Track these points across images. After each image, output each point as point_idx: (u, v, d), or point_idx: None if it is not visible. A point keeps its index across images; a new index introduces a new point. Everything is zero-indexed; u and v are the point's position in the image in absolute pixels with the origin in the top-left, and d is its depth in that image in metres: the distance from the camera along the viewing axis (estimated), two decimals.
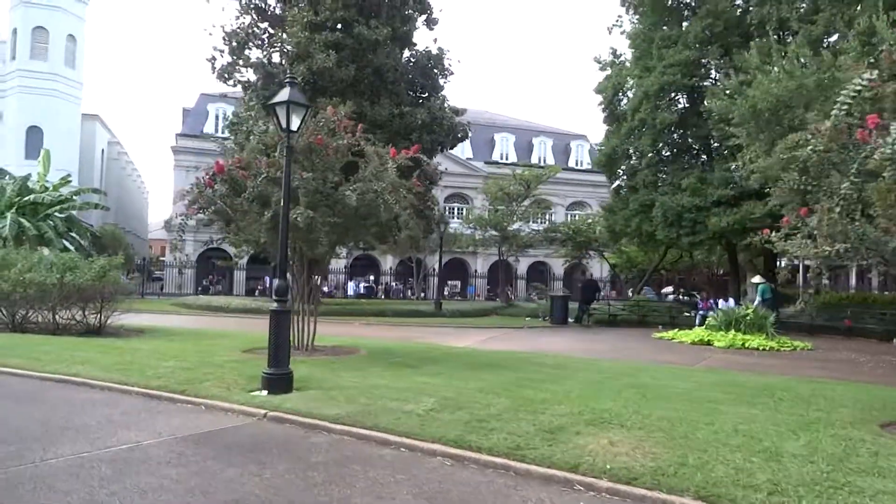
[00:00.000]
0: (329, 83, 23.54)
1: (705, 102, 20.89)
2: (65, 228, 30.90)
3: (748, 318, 17.55)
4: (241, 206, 11.07)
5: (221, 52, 26.08)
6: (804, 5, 20.32)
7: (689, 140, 25.81)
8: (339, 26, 24.53)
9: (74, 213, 33.21)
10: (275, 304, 8.45)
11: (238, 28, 26.19)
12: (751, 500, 4.47)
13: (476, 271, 46.24)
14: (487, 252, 41.47)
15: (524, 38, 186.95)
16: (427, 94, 27.55)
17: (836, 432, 6.44)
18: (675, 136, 25.80)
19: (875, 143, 5.37)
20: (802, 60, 13.38)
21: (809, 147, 6.26)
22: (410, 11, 26.53)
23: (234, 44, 25.95)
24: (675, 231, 23.38)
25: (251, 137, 15.03)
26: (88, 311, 14.37)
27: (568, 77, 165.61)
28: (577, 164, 52.90)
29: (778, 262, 25.70)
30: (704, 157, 26.03)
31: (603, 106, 28.27)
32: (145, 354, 10.76)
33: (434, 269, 39.22)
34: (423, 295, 41.83)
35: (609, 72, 28.28)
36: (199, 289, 39.15)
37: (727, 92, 17.44)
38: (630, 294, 36.37)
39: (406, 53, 27.45)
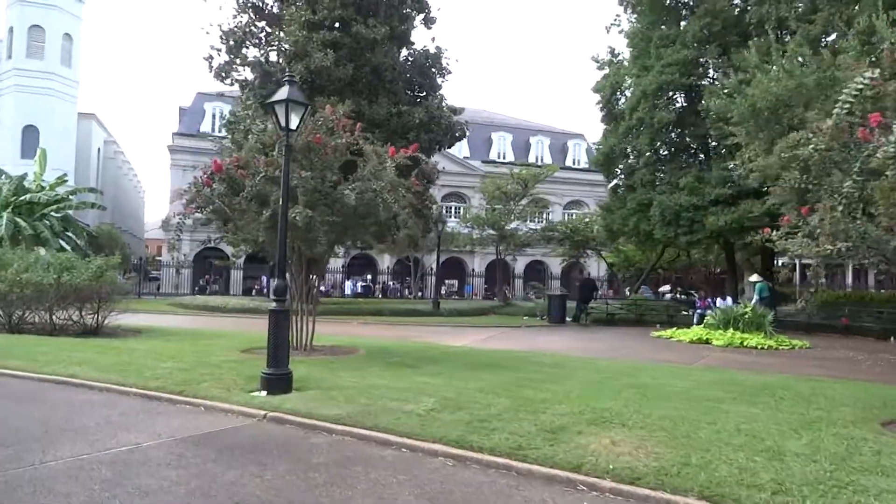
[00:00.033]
0: (327, 82, 23.49)
1: (703, 101, 20.89)
2: (61, 228, 30.81)
3: (746, 316, 17.56)
4: (239, 205, 11.03)
5: (219, 50, 25.98)
6: (802, 5, 20.33)
7: (687, 139, 25.80)
8: (336, 25, 24.48)
9: (71, 212, 33.09)
10: (274, 304, 8.42)
11: (235, 27, 26.08)
12: (755, 499, 4.46)
13: (473, 270, 46.23)
14: (485, 251, 41.44)
15: (521, 37, 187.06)
16: (425, 93, 27.51)
17: (838, 431, 6.43)
18: (672, 135, 25.79)
19: (878, 141, 5.35)
20: (801, 60, 13.36)
21: (811, 146, 6.25)
22: (408, 10, 26.48)
23: (232, 42, 25.85)
24: (672, 230, 23.38)
25: (249, 136, 14.98)
26: (85, 312, 14.31)
27: (565, 76, 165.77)
28: (574, 164, 52.90)
29: (775, 261, 25.74)
30: (702, 156, 26.04)
31: (601, 105, 28.25)
32: (143, 355, 10.72)
33: (431, 269, 39.20)
34: (420, 294, 41.80)
35: (607, 71, 28.27)
36: (196, 288, 39.07)
37: (726, 91, 17.43)
38: (627, 293, 36.39)
39: (404, 52, 27.41)
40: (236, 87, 27.61)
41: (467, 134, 30.38)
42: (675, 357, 14.02)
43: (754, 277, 21.60)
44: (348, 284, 41.61)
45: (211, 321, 21.14)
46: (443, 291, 38.16)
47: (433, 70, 27.50)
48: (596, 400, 7.69)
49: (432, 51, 27.47)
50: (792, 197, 8.01)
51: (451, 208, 46.56)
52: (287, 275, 10.59)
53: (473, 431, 6.08)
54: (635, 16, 27.26)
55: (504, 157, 50.10)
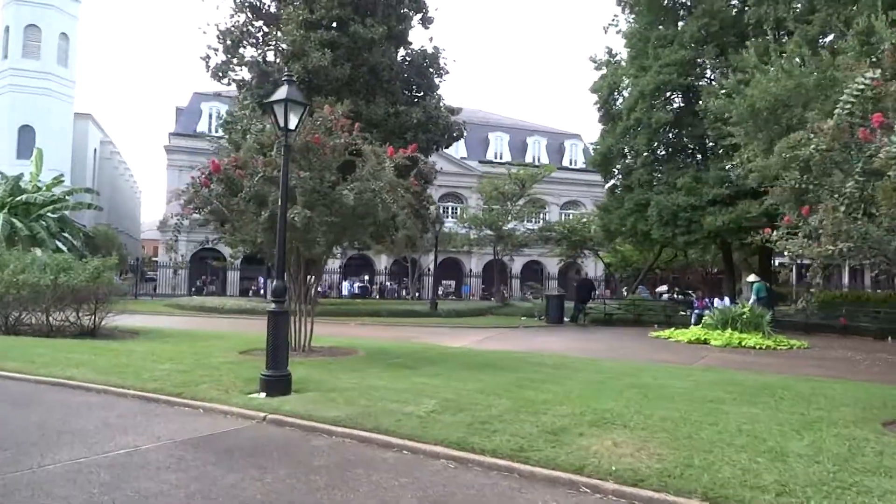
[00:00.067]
0: (324, 82, 23.47)
1: (701, 102, 20.92)
2: (57, 229, 30.73)
3: (744, 316, 17.56)
4: (237, 205, 10.99)
5: (216, 50, 25.96)
6: (799, 5, 20.37)
7: (685, 139, 25.85)
8: (334, 25, 24.47)
9: (67, 213, 33.01)
10: (273, 305, 8.38)
11: (232, 26, 26.06)
12: (759, 501, 4.43)
13: (471, 271, 46.21)
14: (482, 251, 41.42)
15: (518, 37, 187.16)
16: (422, 93, 27.51)
17: (839, 431, 6.42)
18: (670, 135, 25.85)
19: (880, 142, 5.34)
20: (800, 60, 13.37)
21: (812, 146, 6.24)
22: (406, 10, 26.48)
23: (229, 42, 25.83)
24: (670, 230, 23.41)
25: (248, 136, 14.93)
26: (82, 313, 14.23)
27: (562, 76, 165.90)
28: (571, 164, 52.92)
29: (773, 261, 25.79)
30: (700, 156, 26.10)
31: (598, 105, 28.29)
32: (140, 356, 10.66)
33: (429, 269, 39.18)
34: (417, 295, 41.76)
35: (605, 71, 28.32)
36: (193, 289, 38.98)
37: (724, 91, 17.45)
38: (624, 293, 36.41)
39: (401, 52, 27.41)
40: (233, 86, 27.59)
41: (465, 134, 30.33)
42: (674, 357, 14.02)
43: (752, 277, 21.62)
44: (345, 285, 41.55)
45: (208, 322, 21.07)
46: (440, 292, 38.13)
47: (431, 70, 27.50)
48: (597, 401, 7.67)
49: (430, 51, 27.48)
50: (791, 197, 8.00)
51: (447, 208, 46.53)
52: (285, 276, 10.56)
53: (475, 433, 6.05)
54: (633, 16, 27.32)
55: (501, 158, 50.09)
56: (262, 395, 7.76)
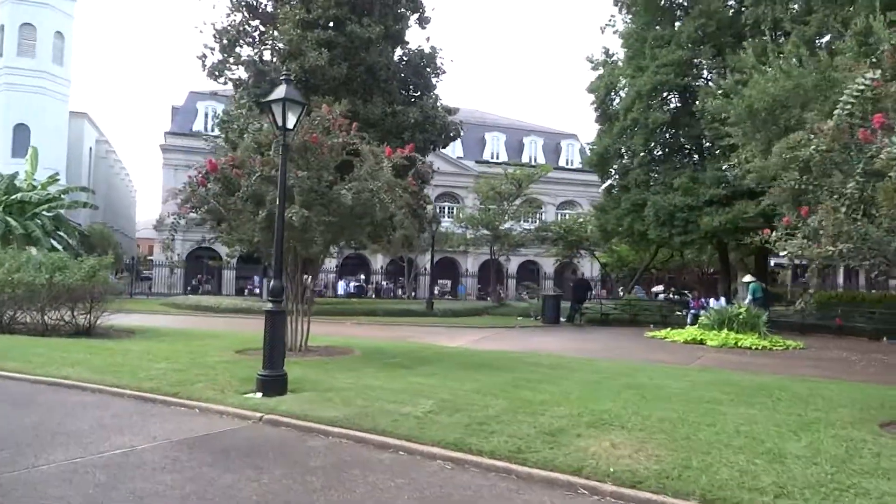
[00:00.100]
0: (321, 81, 23.40)
1: (698, 102, 20.92)
2: (53, 227, 30.63)
3: (741, 317, 17.58)
4: (234, 205, 10.94)
5: (212, 49, 25.84)
6: (796, 6, 20.40)
7: (682, 139, 25.88)
8: (331, 24, 24.39)
9: (62, 212, 32.89)
10: (270, 305, 8.35)
11: (229, 25, 25.95)
12: (757, 503, 4.42)
13: (467, 270, 46.19)
14: (478, 251, 41.40)
15: (515, 37, 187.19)
16: (419, 93, 27.45)
17: (837, 433, 6.42)
18: (667, 135, 25.87)
19: (881, 142, 5.33)
20: (798, 60, 13.37)
21: (812, 146, 6.23)
22: (403, 10, 26.40)
23: (225, 41, 25.72)
24: (667, 230, 23.43)
25: (245, 136, 14.88)
26: (78, 312, 14.18)
27: (558, 76, 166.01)
28: (567, 164, 52.93)
29: (769, 262, 25.83)
30: (696, 156, 26.13)
31: (595, 105, 28.32)
32: (136, 356, 10.62)
33: (425, 269, 39.14)
34: (413, 294, 41.71)
35: (601, 71, 28.34)
36: (189, 288, 38.86)
37: (721, 91, 17.45)
38: (620, 293, 36.44)
39: (398, 52, 27.33)
40: (230, 86, 27.47)
41: (462, 134, 30.31)
42: (671, 357, 14.02)
43: (748, 278, 21.65)
44: (341, 284, 41.50)
45: (204, 321, 21.01)
46: (436, 291, 38.12)
47: (428, 70, 27.43)
48: (594, 401, 7.65)
49: (427, 50, 27.41)
50: (789, 198, 8.00)
51: (444, 208, 46.51)
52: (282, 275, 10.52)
53: (472, 434, 6.03)
54: (630, 16, 27.35)
55: (497, 158, 50.05)
56: (259, 394, 7.72)
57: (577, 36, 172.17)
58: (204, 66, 25.89)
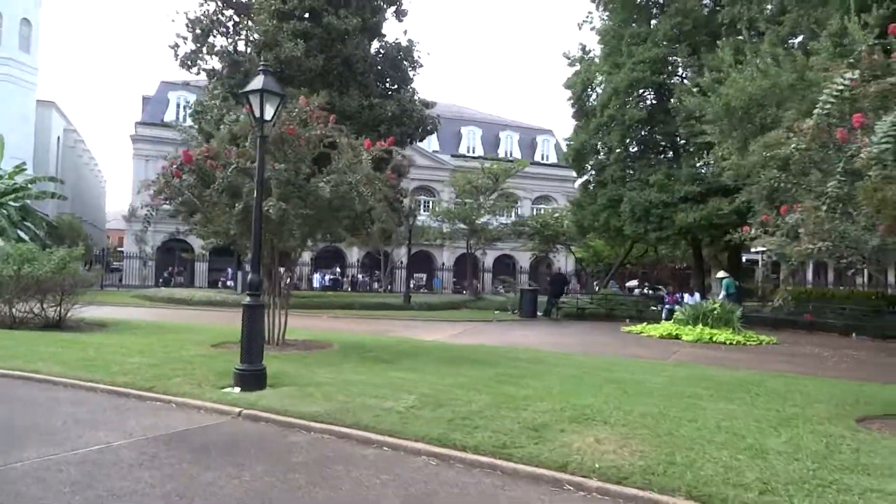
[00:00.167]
0: (297, 72, 23.16)
1: (674, 100, 21.07)
2: (19, 218, 29.85)
3: (715, 312, 17.78)
4: (210, 197, 10.73)
5: (185, 39, 25.45)
6: (770, 6, 20.63)
7: (657, 136, 26.06)
8: (307, 15, 24.16)
9: (29, 202, 32.09)
10: (248, 298, 8.22)
11: (202, 15, 25.55)
12: (743, 499, 4.44)
13: (443, 264, 46.17)
14: (454, 245, 41.41)
15: (492, 32, 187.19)
16: (397, 86, 27.33)
17: (815, 428, 6.50)
18: (643, 132, 26.01)
19: (861, 142, 5.39)
20: (774, 60, 13.51)
21: (792, 145, 6.29)
22: (380, 2, 26.25)
23: (198, 31, 25.32)
24: (642, 226, 23.60)
25: (221, 126, 14.64)
26: (47, 304, 13.85)
27: (535, 72, 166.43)
28: (543, 159, 53.10)
29: (742, 258, 26.18)
30: (672, 153, 26.33)
31: (572, 101, 28.39)
32: (109, 349, 10.40)
33: (401, 262, 38.99)
34: (389, 288, 41.59)
35: (578, 67, 28.41)
36: (161, 280, 38.27)
37: (697, 89, 17.58)
38: (596, 288, 36.69)
39: (376, 45, 27.17)
40: (203, 76, 27.05)
41: (439, 128, 30.24)
42: (648, 352, 14.12)
43: (721, 274, 21.93)
44: (316, 277, 41.20)
45: (177, 314, 20.68)
46: (411, 285, 38.06)
47: (405, 63, 27.32)
48: (576, 396, 7.66)
49: (404, 44, 27.29)
50: (765, 195, 8.07)
51: (420, 202, 46.40)
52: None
53: (456, 429, 5.99)
54: (607, 13, 27.44)
55: (473, 152, 50.02)
56: (237, 389, 7.60)
57: (553, 32, 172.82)
58: (176, 55, 25.49)
